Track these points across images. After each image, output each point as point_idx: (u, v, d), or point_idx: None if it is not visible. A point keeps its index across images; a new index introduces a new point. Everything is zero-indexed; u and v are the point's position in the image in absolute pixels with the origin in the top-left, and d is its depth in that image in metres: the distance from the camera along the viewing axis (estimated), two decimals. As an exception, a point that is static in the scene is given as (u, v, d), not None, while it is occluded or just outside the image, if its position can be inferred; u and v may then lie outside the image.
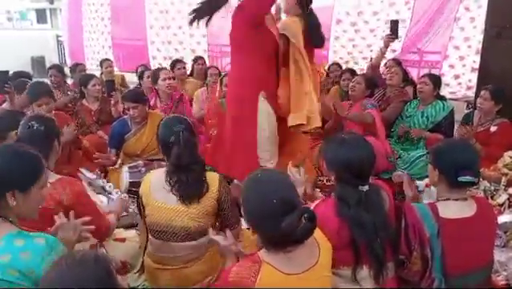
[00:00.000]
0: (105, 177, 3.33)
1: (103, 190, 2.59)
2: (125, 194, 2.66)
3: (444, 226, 1.74)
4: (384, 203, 1.78)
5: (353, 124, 3.79)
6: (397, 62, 4.56)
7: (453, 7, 5.38)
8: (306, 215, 1.35)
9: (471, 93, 5.31)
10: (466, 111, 4.92)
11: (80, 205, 1.91)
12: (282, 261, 1.41)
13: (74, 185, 1.96)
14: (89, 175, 2.62)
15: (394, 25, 4.06)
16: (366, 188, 1.71)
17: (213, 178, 2.10)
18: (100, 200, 2.47)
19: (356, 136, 1.87)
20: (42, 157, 1.58)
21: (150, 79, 4.56)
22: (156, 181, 2.08)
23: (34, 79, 4.46)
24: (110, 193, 2.54)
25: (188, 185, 2.01)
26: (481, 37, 5.04)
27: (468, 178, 1.75)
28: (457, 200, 1.81)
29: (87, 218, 1.75)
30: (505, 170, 2.86)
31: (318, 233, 1.51)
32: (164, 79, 4.11)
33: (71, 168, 2.89)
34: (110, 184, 2.67)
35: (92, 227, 1.77)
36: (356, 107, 3.83)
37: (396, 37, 4.16)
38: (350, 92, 3.96)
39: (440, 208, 1.79)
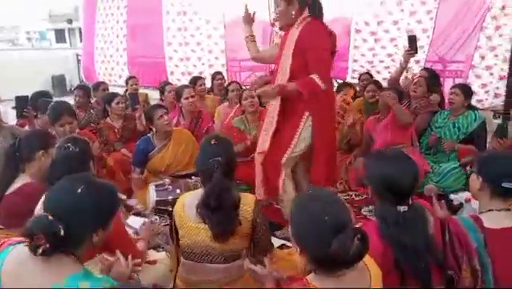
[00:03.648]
0: (130, 196, 3.32)
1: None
2: (156, 217, 2.60)
3: (490, 237, 1.69)
4: (428, 224, 1.69)
5: (381, 138, 3.68)
6: (429, 71, 4.50)
7: (479, 16, 5.28)
8: (358, 236, 1.27)
9: (499, 101, 5.19)
10: (495, 121, 4.80)
11: (115, 233, 1.86)
12: (332, 286, 1.33)
13: None
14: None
15: (412, 40, 4.00)
16: (405, 208, 1.63)
17: (248, 200, 2.04)
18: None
19: (401, 153, 1.79)
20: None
21: (172, 95, 4.59)
22: (190, 202, 2.02)
23: (55, 98, 4.47)
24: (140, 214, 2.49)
25: (217, 225, 1.92)
26: (508, 45, 4.93)
27: None
28: (499, 210, 1.75)
29: (138, 260, 1.74)
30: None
31: (367, 258, 1.43)
32: (187, 98, 4.09)
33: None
34: (141, 205, 2.62)
35: (139, 268, 1.75)
36: (389, 120, 3.72)
37: (416, 52, 4.10)
38: (379, 106, 3.87)
39: (484, 219, 1.75)
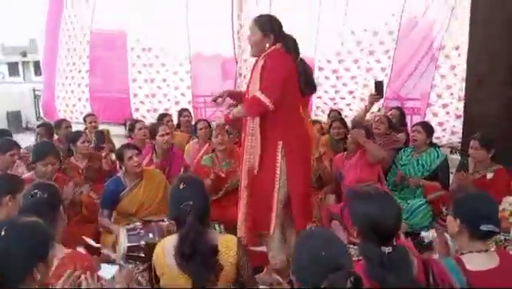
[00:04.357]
0: (98, 240, 3.18)
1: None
2: (131, 264, 2.50)
3: (473, 279, 1.72)
4: (412, 266, 1.72)
5: (351, 176, 3.75)
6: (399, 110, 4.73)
7: (433, 55, 5.61)
8: (352, 278, 1.29)
9: (456, 138, 5.46)
10: (452, 157, 5.03)
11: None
12: None
13: (83, 261, 1.87)
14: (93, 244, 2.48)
15: (379, 85, 4.05)
16: (389, 249, 1.66)
17: (229, 242, 2.00)
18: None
19: (384, 193, 1.83)
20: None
21: (142, 132, 4.52)
22: (169, 249, 1.95)
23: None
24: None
25: (194, 275, 1.88)
26: (462, 84, 5.25)
27: (490, 227, 1.77)
28: (479, 252, 1.80)
29: None
30: (513, 220, 2.86)
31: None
32: (162, 135, 4.00)
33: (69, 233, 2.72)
34: (115, 254, 2.51)
35: None
36: (358, 157, 3.81)
37: (382, 96, 4.20)
38: (348, 144, 3.96)
39: (466, 261, 1.77)
